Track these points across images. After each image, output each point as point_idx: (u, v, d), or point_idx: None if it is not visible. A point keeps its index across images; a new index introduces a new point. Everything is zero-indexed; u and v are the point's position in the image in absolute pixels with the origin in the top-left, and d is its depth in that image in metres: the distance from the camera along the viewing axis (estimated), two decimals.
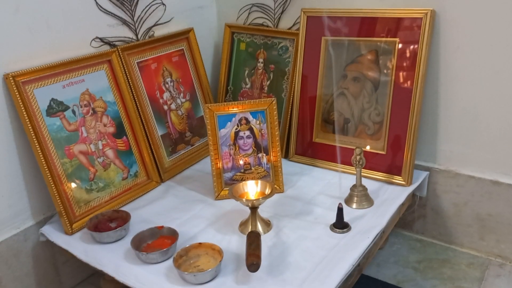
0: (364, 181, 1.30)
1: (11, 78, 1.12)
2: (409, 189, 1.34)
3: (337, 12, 1.42)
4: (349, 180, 1.37)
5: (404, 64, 1.34)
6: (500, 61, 1.25)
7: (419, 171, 1.43)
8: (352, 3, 1.41)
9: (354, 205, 1.27)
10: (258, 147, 1.38)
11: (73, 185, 1.23)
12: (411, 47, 1.32)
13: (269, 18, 1.62)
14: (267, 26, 1.62)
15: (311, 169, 1.50)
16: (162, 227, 1.15)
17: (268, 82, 1.64)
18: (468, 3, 1.24)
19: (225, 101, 1.73)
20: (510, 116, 1.28)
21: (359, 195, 1.27)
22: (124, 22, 1.40)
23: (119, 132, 1.36)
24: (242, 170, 1.38)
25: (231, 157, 1.37)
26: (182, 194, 1.39)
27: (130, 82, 1.39)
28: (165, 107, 1.51)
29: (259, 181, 1.21)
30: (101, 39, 1.34)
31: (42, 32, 1.19)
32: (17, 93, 1.12)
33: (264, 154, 1.38)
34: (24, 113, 1.14)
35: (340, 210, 1.15)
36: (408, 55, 1.33)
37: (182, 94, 1.57)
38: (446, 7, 1.27)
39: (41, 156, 1.16)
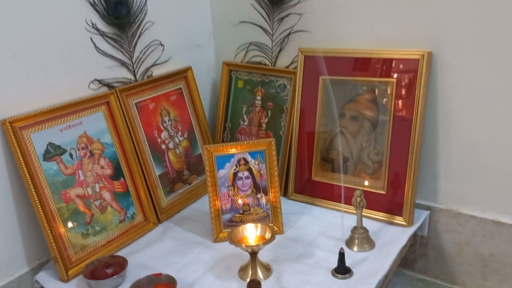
0: (365, 222, 1.29)
1: (8, 124, 1.11)
2: (411, 230, 1.32)
3: (335, 52, 1.43)
4: (350, 219, 1.35)
5: (402, 103, 1.34)
6: (498, 101, 1.25)
7: (420, 210, 1.41)
8: (349, 43, 1.42)
9: (355, 248, 1.25)
10: (257, 188, 1.36)
11: (69, 230, 1.20)
12: (409, 87, 1.32)
13: (266, 57, 1.63)
14: (265, 65, 1.63)
15: (311, 208, 1.48)
16: (160, 274, 1.13)
17: (266, 120, 1.64)
18: (464, 45, 1.25)
19: (223, 138, 1.73)
20: (510, 156, 1.27)
21: (360, 238, 1.25)
22: (123, 63, 1.40)
23: (117, 174, 1.34)
24: (241, 211, 1.36)
25: (229, 198, 1.35)
26: (180, 236, 1.37)
27: (128, 123, 1.38)
28: (163, 147, 1.50)
29: (259, 225, 1.19)
30: (100, 81, 1.34)
31: (39, 76, 1.19)
32: (14, 139, 1.11)
33: (263, 195, 1.36)
34: (21, 158, 1.12)
35: (341, 255, 1.13)
36: (406, 95, 1.33)
37: (180, 133, 1.57)
38: (442, 48, 1.29)
39: (37, 201, 1.14)
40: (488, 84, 1.25)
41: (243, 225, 1.19)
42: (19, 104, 1.15)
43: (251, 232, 1.19)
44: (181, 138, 1.57)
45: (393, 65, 1.34)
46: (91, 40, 1.30)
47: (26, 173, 1.13)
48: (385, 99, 1.37)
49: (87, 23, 1.28)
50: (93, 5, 1.28)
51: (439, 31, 1.28)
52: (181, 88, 1.59)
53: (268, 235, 1.16)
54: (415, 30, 1.31)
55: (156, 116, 1.49)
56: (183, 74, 1.60)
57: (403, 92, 1.33)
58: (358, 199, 1.24)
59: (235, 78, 1.69)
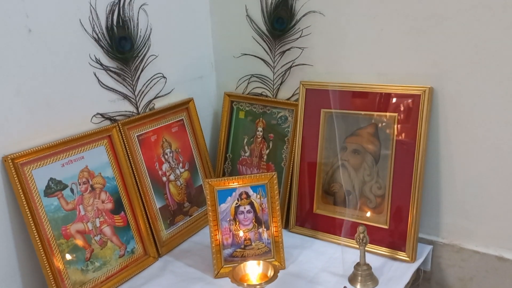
0: (367, 257, 1.27)
1: (10, 161, 1.10)
2: (414, 266, 1.31)
3: (336, 86, 1.44)
4: (352, 254, 1.34)
5: (404, 138, 1.34)
6: (499, 136, 1.26)
7: (423, 244, 1.40)
8: (350, 77, 1.43)
9: (359, 285, 1.23)
10: (259, 222, 1.35)
11: (69, 266, 1.19)
12: (411, 122, 1.33)
13: (268, 88, 1.64)
14: (266, 96, 1.64)
15: (312, 242, 1.47)
16: None
17: (268, 151, 1.63)
18: (465, 81, 1.26)
19: (224, 168, 1.72)
20: None
21: (364, 275, 1.24)
22: (125, 96, 1.41)
23: (117, 208, 1.33)
24: (242, 246, 1.34)
25: (231, 232, 1.34)
26: (180, 271, 1.35)
27: (130, 156, 1.38)
28: (164, 179, 1.50)
29: (261, 262, 1.18)
30: (102, 115, 1.34)
31: (42, 112, 1.19)
32: (15, 176, 1.11)
33: (265, 229, 1.35)
34: (22, 195, 1.11)
35: None
36: (408, 129, 1.34)
37: (181, 164, 1.56)
38: (443, 84, 1.30)
39: (37, 238, 1.13)
40: (490, 119, 1.26)
41: (244, 263, 1.18)
42: (22, 140, 1.15)
43: (253, 270, 1.17)
44: (182, 170, 1.56)
45: (395, 100, 1.35)
46: (95, 74, 1.31)
47: (27, 210, 1.12)
48: (387, 134, 1.37)
49: (91, 58, 1.29)
50: (97, 41, 1.29)
51: (440, 68, 1.29)
52: (182, 120, 1.59)
53: (270, 273, 1.15)
54: (416, 67, 1.32)
55: (157, 148, 1.49)
56: (185, 105, 1.60)
57: (405, 127, 1.34)
58: (361, 235, 1.23)
59: (237, 109, 1.70)
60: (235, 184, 1.34)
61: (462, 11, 1.22)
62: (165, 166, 1.51)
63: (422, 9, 1.27)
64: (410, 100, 1.33)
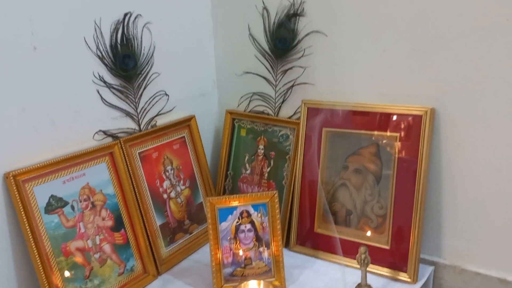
0: (369, 277, 1.26)
1: (11, 178, 1.10)
2: None
3: (338, 105, 1.45)
4: (352, 275, 1.33)
5: (406, 158, 1.34)
6: (501, 158, 1.26)
7: (424, 265, 1.39)
8: (352, 97, 1.44)
9: None
10: (259, 241, 1.34)
11: (68, 284, 1.18)
12: (412, 142, 1.33)
13: (269, 107, 1.64)
14: (268, 114, 1.65)
15: (313, 262, 1.46)
16: None
17: (269, 169, 1.63)
18: (468, 102, 1.27)
19: (225, 186, 1.72)
20: None
21: None
22: (128, 114, 1.41)
23: (117, 225, 1.33)
24: (243, 265, 1.33)
25: (231, 251, 1.33)
26: None
27: (131, 174, 1.38)
28: (165, 196, 1.49)
29: (262, 282, 1.17)
30: (104, 132, 1.35)
31: (46, 129, 1.19)
32: (16, 193, 1.10)
33: (266, 248, 1.34)
34: (22, 212, 1.11)
35: None
36: (409, 150, 1.34)
37: (182, 181, 1.56)
38: (445, 105, 1.30)
39: (36, 256, 1.12)
40: (491, 141, 1.26)
41: (245, 283, 1.17)
42: (24, 157, 1.15)
43: None
44: (183, 187, 1.56)
45: (396, 120, 1.36)
46: (98, 92, 1.31)
47: (27, 227, 1.11)
48: (388, 153, 1.37)
49: (94, 75, 1.30)
50: (101, 58, 1.30)
51: (441, 89, 1.30)
52: (184, 137, 1.60)
53: None
54: (418, 88, 1.33)
55: (158, 165, 1.49)
56: (187, 123, 1.61)
57: (407, 147, 1.34)
58: (363, 255, 1.22)
59: (238, 126, 1.70)
60: (236, 202, 1.34)
61: (463, 33, 1.23)
62: (166, 183, 1.50)
63: (424, 31, 1.29)
64: (412, 121, 1.33)
